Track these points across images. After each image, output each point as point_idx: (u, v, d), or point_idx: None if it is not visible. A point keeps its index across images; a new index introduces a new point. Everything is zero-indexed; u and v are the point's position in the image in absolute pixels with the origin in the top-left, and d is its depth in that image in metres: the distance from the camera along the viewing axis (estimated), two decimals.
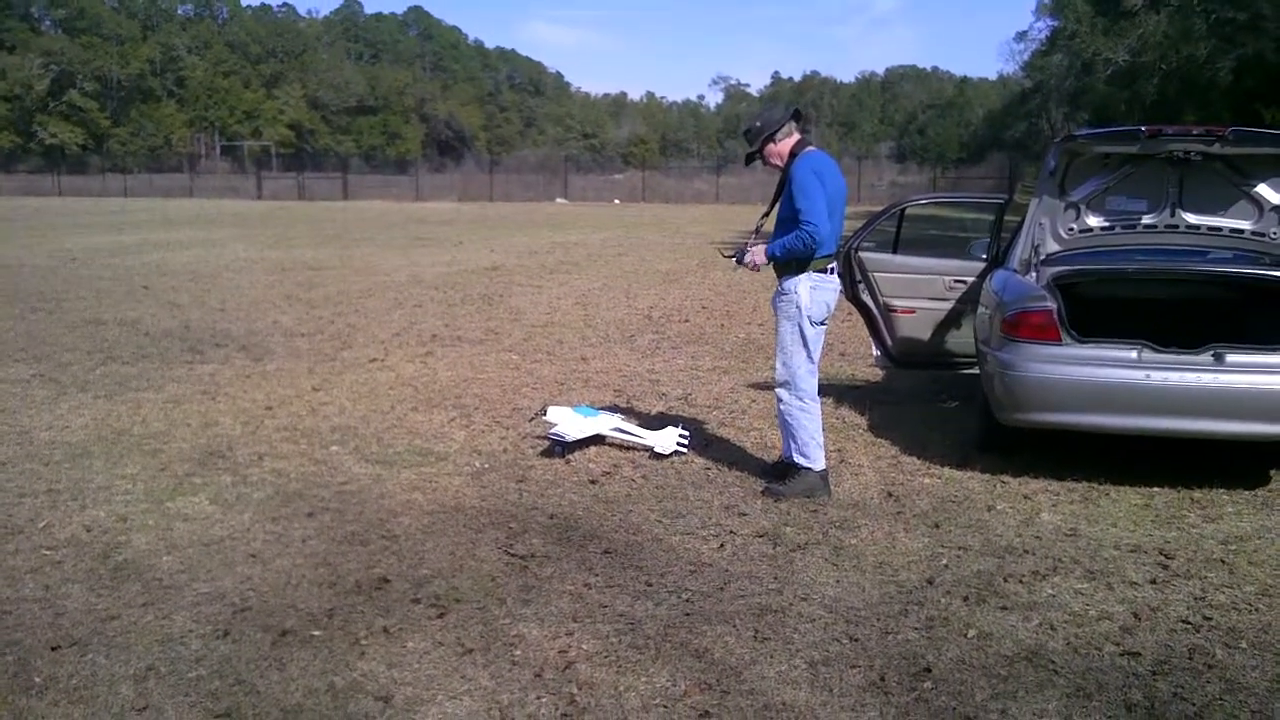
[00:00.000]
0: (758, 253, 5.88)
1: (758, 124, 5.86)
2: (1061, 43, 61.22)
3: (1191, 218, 7.08)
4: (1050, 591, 4.63)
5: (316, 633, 4.13)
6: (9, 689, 3.68)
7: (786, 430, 5.97)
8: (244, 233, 27.63)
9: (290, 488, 5.95)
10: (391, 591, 4.55)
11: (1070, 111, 67.03)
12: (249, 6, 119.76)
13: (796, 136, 5.80)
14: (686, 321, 12.49)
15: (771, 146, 5.81)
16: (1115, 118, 49.14)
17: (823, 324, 5.91)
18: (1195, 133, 6.58)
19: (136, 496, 5.76)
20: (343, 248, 22.69)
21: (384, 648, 4.01)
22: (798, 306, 5.78)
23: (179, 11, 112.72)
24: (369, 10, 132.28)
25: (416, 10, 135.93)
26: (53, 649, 3.97)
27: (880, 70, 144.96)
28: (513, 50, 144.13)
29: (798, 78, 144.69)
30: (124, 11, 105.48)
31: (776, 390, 6.01)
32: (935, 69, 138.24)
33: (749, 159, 5.98)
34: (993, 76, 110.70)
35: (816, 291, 5.78)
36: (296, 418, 7.55)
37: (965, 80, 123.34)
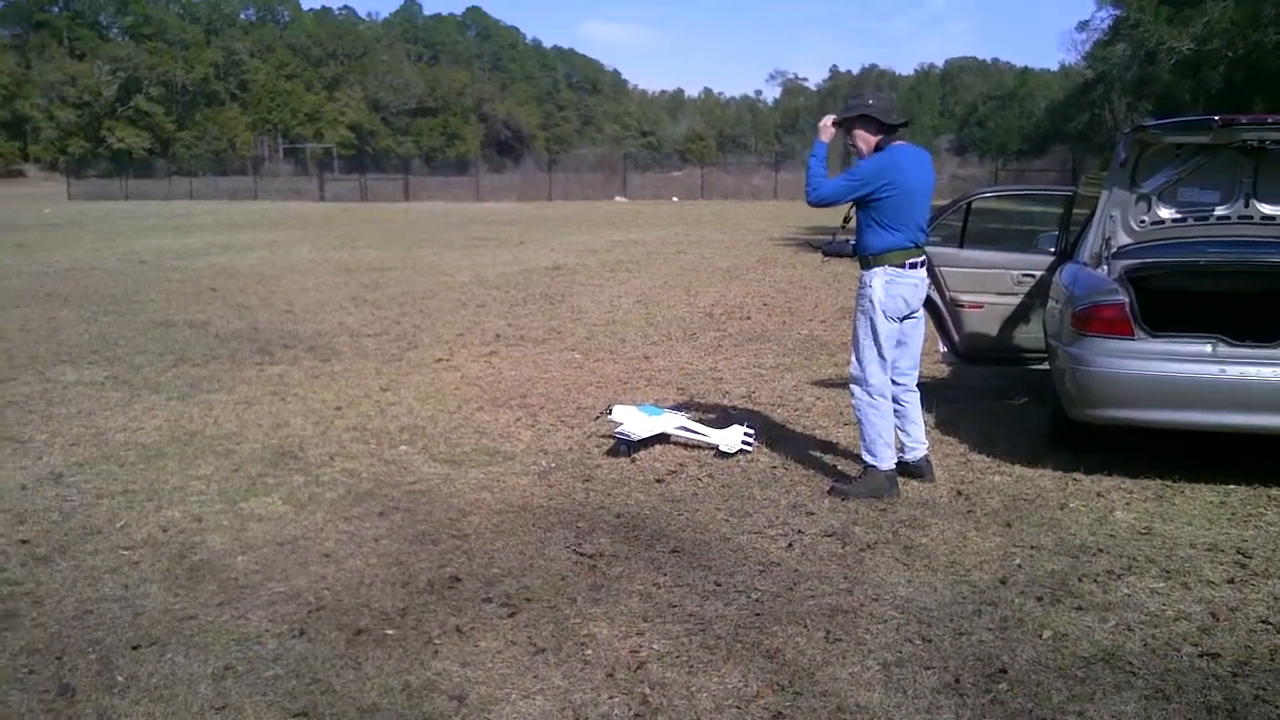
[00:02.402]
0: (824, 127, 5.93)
1: (870, 101, 5.84)
2: (1124, 32, 60.19)
3: (1266, 208, 6.93)
4: (1126, 591, 4.56)
5: (390, 632, 4.18)
6: (93, 687, 3.76)
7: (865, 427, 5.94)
8: (308, 234, 27.98)
9: (361, 487, 6.02)
10: (463, 590, 4.58)
11: (1134, 102, 65.91)
12: (310, 9, 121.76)
13: (881, 136, 5.76)
14: (748, 319, 12.45)
15: (864, 132, 5.76)
16: (1180, 107, 48.30)
17: (903, 320, 5.87)
18: (1270, 121, 6.43)
19: (211, 497, 5.86)
20: (405, 248, 22.90)
21: (457, 647, 4.05)
22: (871, 300, 5.76)
23: (241, 15, 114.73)
24: (428, 11, 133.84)
25: (475, 10, 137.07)
26: (133, 648, 4.05)
27: (939, 62, 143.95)
28: (570, 49, 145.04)
29: (856, 71, 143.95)
30: (188, 17, 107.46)
31: (850, 385, 5.99)
32: (995, 60, 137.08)
33: (841, 121, 5.89)
34: (1054, 67, 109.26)
35: (892, 286, 5.74)
36: (365, 418, 7.64)
37: (1026, 71, 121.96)
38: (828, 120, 5.91)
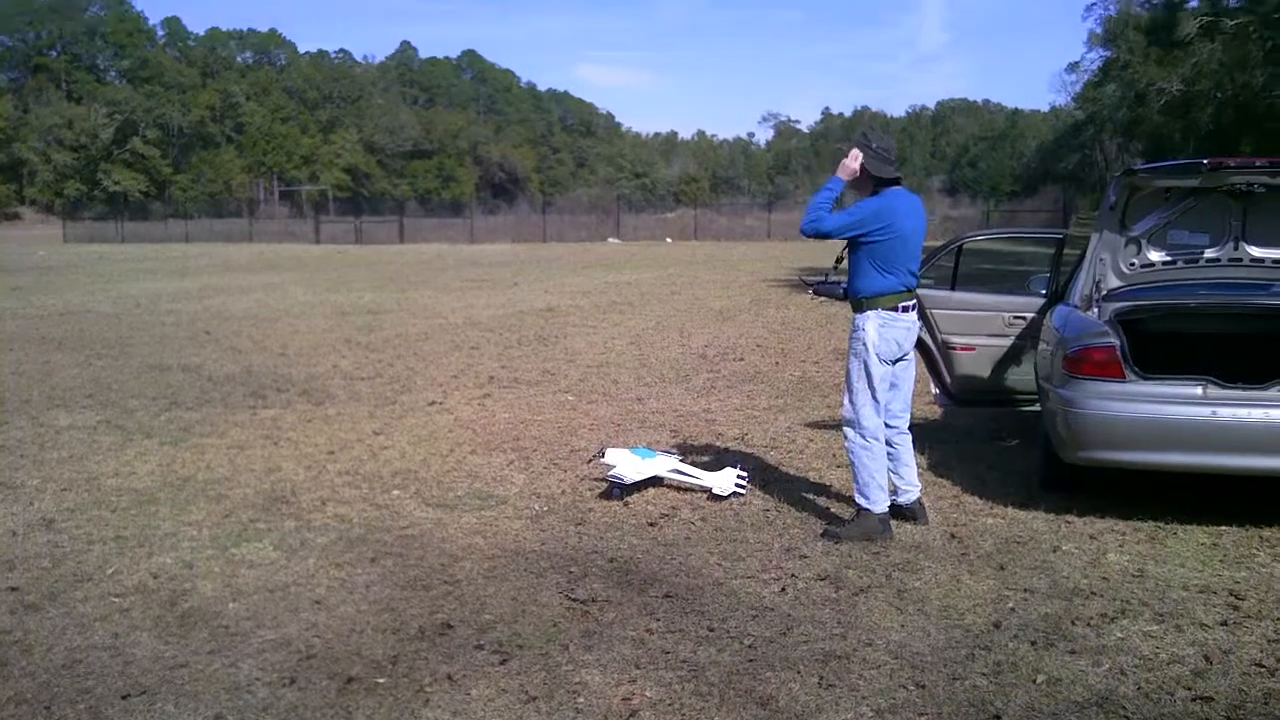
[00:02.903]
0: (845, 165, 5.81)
1: (872, 145, 5.82)
2: (1114, 73, 60.81)
3: (1256, 251, 6.97)
4: (1119, 635, 4.55)
5: (381, 680, 4.15)
6: None
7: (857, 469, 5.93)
8: (303, 277, 28.04)
9: (353, 533, 6.01)
10: (455, 637, 4.56)
11: (1124, 142, 66.41)
12: (306, 53, 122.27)
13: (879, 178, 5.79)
14: (741, 360, 12.48)
15: (854, 164, 5.75)
16: (1170, 147, 48.70)
17: (895, 362, 5.89)
18: (1258, 164, 6.49)
19: (202, 543, 5.84)
20: (400, 291, 22.96)
21: (448, 695, 4.02)
22: (864, 343, 5.79)
23: (238, 59, 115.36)
24: (423, 55, 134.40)
25: (470, 54, 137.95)
26: (123, 697, 4.02)
27: (931, 104, 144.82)
28: (564, 92, 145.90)
29: (848, 113, 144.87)
30: (185, 60, 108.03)
31: (843, 428, 6.00)
32: (986, 101, 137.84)
33: (845, 153, 5.88)
34: (1045, 108, 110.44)
35: (885, 329, 5.78)
36: (358, 462, 7.63)
37: (1017, 112, 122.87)
38: (855, 161, 5.78)
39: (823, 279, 6.57)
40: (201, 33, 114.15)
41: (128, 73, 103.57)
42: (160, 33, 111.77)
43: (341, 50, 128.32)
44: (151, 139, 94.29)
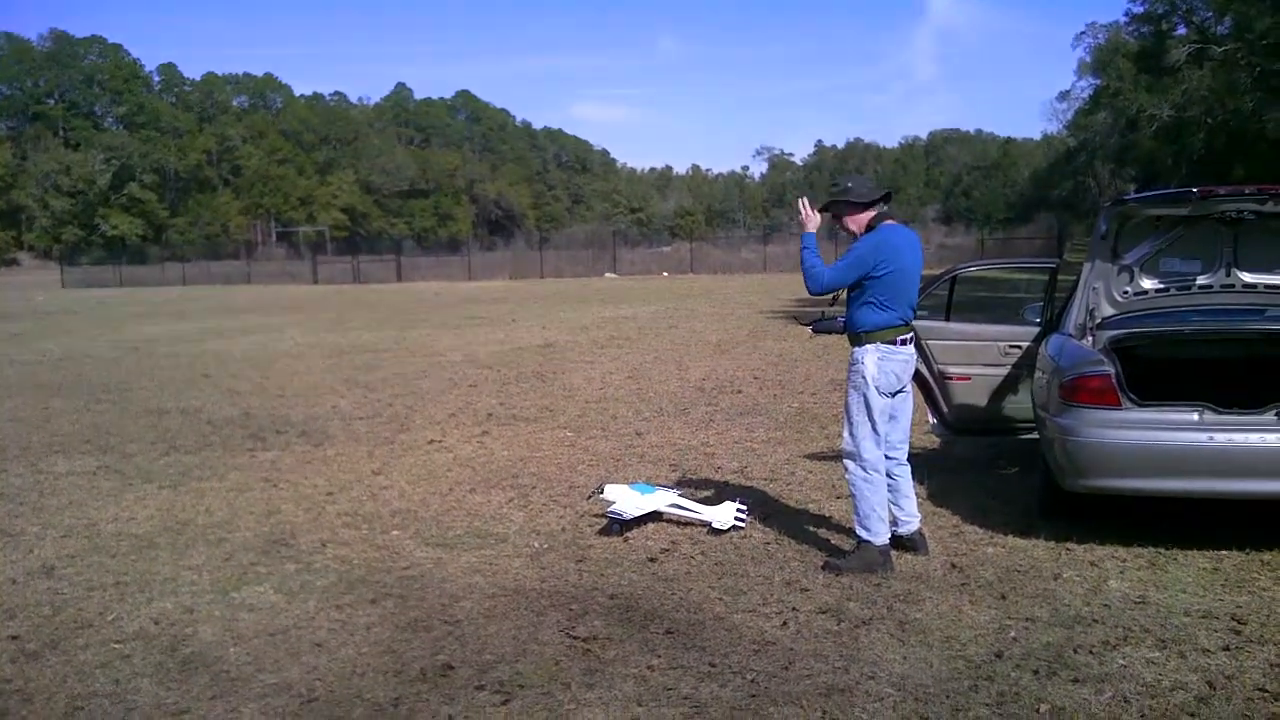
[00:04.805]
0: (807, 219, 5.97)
1: (849, 185, 5.96)
2: (1105, 100, 61.31)
3: (1247, 276, 7.01)
4: (1122, 662, 4.54)
5: None
6: None
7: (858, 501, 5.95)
8: (301, 318, 28.09)
9: (353, 574, 6.00)
10: (456, 678, 4.55)
11: (1116, 168, 66.86)
12: (302, 95, 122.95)
13: (873, 213, 5.88)
14: (739, 393, 12.49)
15: (852, 215, 5.90)
16: (1162, 173, 49.00)
17: (894, 395, 5.92)
18: (1248, 192, 6.54)
19: (202, 587, 5.83)
20: (398, 329, 22.99)
21: None
22: (864, 377, 5.82)
23: (234, 102, 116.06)
24: (419, 95, 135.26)
25: (464, 94, 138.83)
26: None
27: (923, 134, 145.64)
28: (559, 129, 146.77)
29: (841, 145, 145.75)
30: (181, 104, 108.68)
31: (843, 460, 6.02)
32: (979, 131, 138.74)
33: (825, 207, 6.02)
34: (1037, 136, 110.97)
35: (884, 362, 5.81)
36: (357, 503, 7.63)
37: (1009, 141, 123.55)
38: (808, 213, 5.97)
39: (821, 316, 6.62)
40: (197, 77, 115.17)
41: (124, 118, 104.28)
42: (156, 78, 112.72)
43: (337, 92, 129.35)
44: (148, 183, 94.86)
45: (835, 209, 5.94)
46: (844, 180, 6.08)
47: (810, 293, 5.95)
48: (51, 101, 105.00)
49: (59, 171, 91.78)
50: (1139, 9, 50.31)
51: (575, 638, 4.97)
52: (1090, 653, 4.64)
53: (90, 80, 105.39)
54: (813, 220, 5.95)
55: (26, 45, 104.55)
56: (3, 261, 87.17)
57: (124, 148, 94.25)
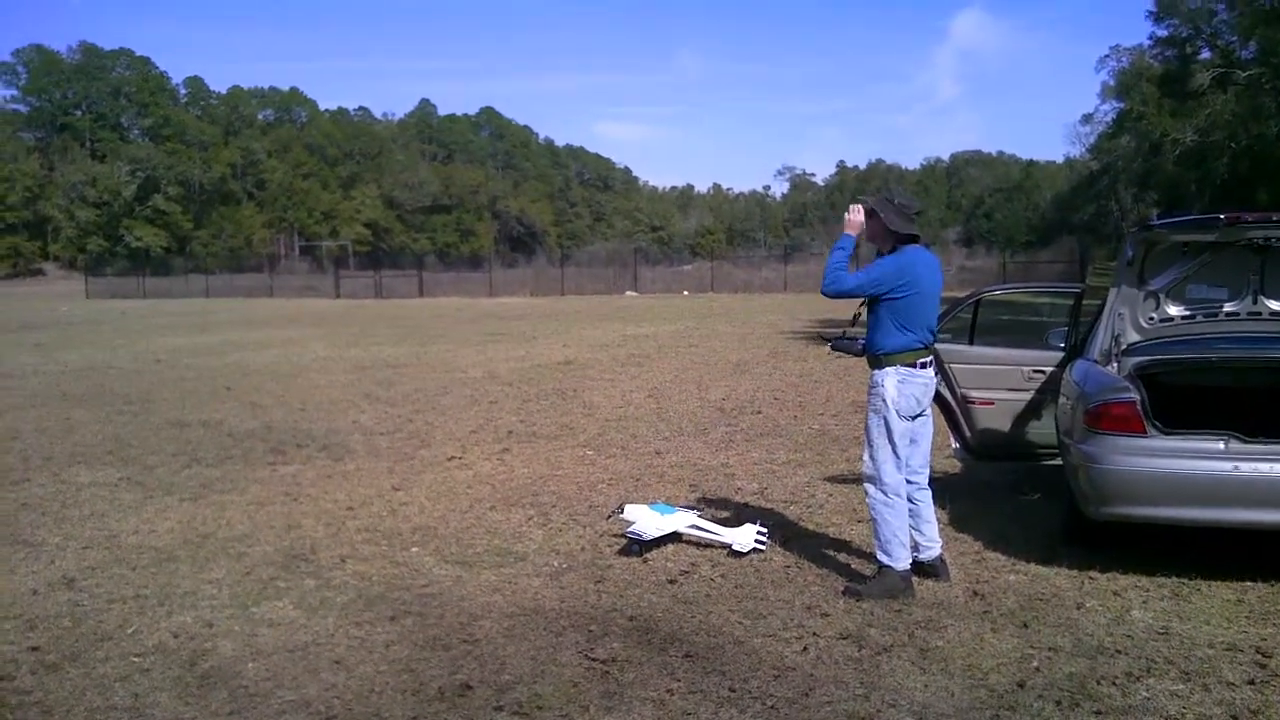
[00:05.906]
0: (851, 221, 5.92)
1: (895, 201, 5.88)
2: (1128, 124, 61.15)
3: (1275, 304, 6.96)
4: (1145, 694, 4.49)
5: None
6: None
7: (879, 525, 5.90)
8: (323, 332, 28.19)
9: (373, 591, 6.00)
10: (474, 699, 4.54)
11: (1139, 193, 66.58)
12: (327, 110, 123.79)
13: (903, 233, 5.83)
14: (759, 413, 12.46)
15: (857, 218, 5.85)
16: (1185, 198, 48.79)
17: (915, 418, 5.88)
18: (1275, 219, 6.48)
19: (222, 601, 5.84)
20: (419, 345, 23.05)
21: None
22: (884, 400, 5.78)
23: (259, 116, 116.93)
24: (442, 112, 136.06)
25: (488, 111, 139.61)
26: None
27: (945, 156, 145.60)
28: (581, 147, 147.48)
29: (863, 166, 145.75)
30: (206, 118, 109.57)
31: (864, 484, 5.98)
32: (1000, 153, 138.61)
33: (871, 212, 5.91)
34: (1059, 159, 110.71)
35: (904, 385, 5.78)
36: (377, 518, 7.63)
37: (1031, 163, 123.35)
38: (857, 214, 5.88)
39: (841, 335, 6.61)
40: (223, 91, 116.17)
41: (150, 131, 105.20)
42: (183, 91, 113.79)
43: (361, 108, 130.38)
44: (173, 195, 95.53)
45: (880, 215, 5.86)
46: (912, 198, 6.02)
47: (823, 291, 5.87)
48: (79, 113, 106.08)
49: (85, 183, 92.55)
50: (1163, 33, 50.24)
51: (594, 659, 4.95)
52: (1114, 684, 4.60)
53: (117, 92, 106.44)
54: (855, 225, 5.88)
55: (55, 57, 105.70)
56: (29, 272, 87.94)
57: (149, 160, 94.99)
